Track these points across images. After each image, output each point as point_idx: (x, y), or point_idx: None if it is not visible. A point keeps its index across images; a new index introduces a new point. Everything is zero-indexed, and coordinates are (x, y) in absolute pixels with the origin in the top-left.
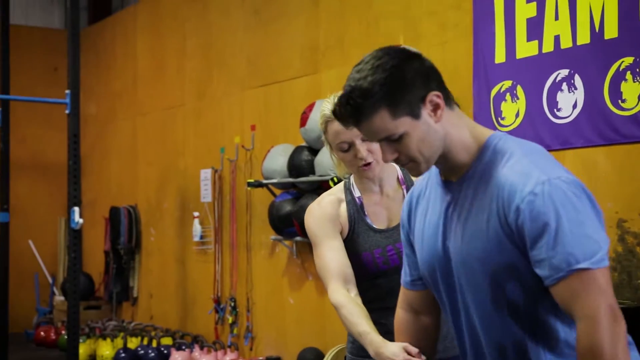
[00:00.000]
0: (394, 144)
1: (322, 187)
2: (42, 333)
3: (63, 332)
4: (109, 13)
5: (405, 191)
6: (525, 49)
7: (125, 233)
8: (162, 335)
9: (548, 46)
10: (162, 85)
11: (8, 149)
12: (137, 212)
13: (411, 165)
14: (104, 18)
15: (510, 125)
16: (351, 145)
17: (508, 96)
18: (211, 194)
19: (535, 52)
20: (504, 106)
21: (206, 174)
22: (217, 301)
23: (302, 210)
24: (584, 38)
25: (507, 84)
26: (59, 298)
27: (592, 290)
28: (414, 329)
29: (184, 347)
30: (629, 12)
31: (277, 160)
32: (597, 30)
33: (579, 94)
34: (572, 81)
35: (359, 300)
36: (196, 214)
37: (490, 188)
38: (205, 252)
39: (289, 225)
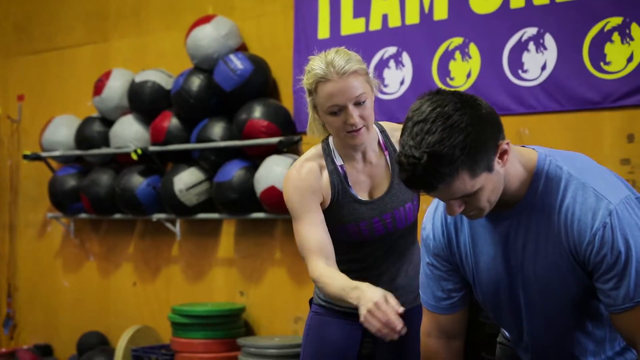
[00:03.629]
0: (464, 198)
1: (117, 160)
2: None
3: None
4: None
5: (387, 157)
6: (351, 26)
7: None
8: None
9: (375, 24)
10: None
11: None
12: None
13: (475, 213)
14: None
15: None
16: (342, 109)
17: None
18: None
19: (362, 29)
20: None
21: None
22: None
23: (94, 184)
24: (413, 18)
25: None
26: None
27: None
28: (450, 356)
29: None
30: None
31: (60, 131)
32: (426, 11)
33: (407, 72)
34: (400, 59)
35: (335, 268)
36: None
37: (555, 221)
38: None
39: (74, 201)
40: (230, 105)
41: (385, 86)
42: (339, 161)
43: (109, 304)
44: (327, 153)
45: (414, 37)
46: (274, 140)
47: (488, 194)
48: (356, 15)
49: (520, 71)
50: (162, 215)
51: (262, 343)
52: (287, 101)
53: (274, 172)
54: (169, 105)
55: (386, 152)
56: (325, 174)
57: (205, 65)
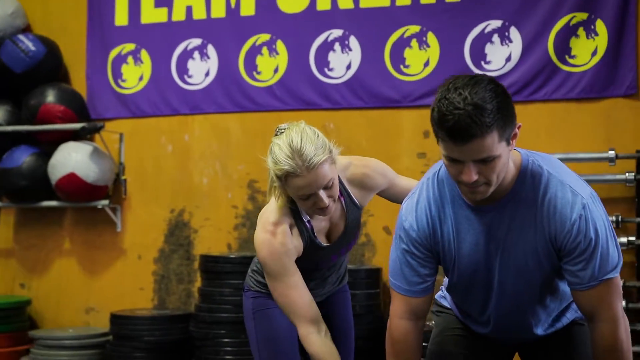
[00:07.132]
0: (481, 165)
1: None
2: None
3: None
4: None
5: (343, 202)
6: (152, 15)
7: None
8: None
9: (179, 15)
10: None
11: None
12: None
13: (482, 189)
14: None
15: (132, 88)
16: (312, 195)
17: (130, 59)
18: None
19: (165, 19)
20: (125, 69)
21: None
22: None
23: None
24: (219, 12)
25: (130, 47)
26: None
27: (616, 295)
28: (417, 335)
29: None
30: None
31: None
32: (232, 6)
33: (213, 64)
34: (205, 51)
35: (328, 340)
36: None
37: (536, 211)
38: None
39: None
40: (16, 88)
41: (189, 76)
42: (305, 217)
43: None
44: (295, 212)
45: (220, 31)
46: (76, 126)
47: (500, 167)
48: (158, 4)
49: (326, 69)
50: None
51: (58, 334)
52: (80, 86)
53: (72, 158)
54: None
55: (342, 198)
56: (296, 231)
57: None
